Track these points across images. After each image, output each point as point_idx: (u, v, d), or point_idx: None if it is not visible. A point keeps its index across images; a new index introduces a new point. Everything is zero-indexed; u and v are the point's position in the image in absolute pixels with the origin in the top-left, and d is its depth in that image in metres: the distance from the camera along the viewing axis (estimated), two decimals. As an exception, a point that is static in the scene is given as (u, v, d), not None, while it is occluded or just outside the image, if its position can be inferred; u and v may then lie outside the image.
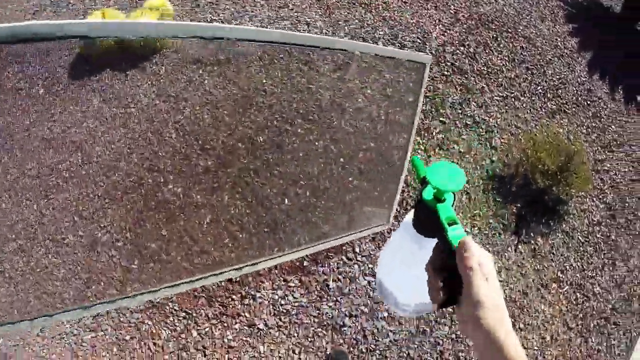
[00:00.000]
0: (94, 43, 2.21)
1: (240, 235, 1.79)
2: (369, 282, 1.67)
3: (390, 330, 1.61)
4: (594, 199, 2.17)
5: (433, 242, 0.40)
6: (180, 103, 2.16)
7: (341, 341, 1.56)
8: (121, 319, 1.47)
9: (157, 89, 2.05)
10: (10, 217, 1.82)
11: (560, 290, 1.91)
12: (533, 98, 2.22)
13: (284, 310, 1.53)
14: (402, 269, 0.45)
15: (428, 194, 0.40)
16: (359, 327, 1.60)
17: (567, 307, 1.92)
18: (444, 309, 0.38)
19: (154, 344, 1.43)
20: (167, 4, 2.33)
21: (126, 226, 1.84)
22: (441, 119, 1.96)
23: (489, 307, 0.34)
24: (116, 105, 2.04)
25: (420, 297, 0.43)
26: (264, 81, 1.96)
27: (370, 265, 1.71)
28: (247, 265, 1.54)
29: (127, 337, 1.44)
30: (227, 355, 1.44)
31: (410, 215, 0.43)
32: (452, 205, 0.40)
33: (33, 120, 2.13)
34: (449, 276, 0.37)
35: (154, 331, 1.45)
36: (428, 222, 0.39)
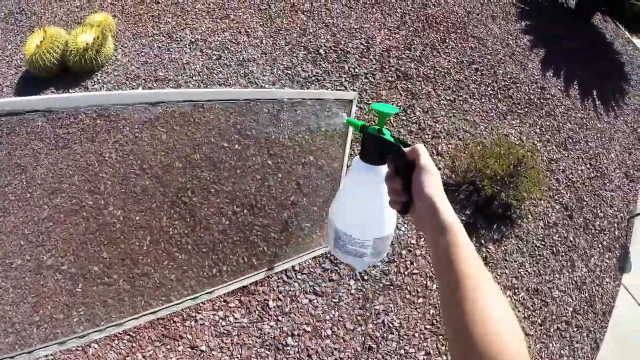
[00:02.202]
0: (37, 62, 2.12)
1: (180, 256, 1.73)
2: (309, 301, 1.60)
3: (335, 349, 1.55)
4: (549, 200, 2.13)
5: (381, 169, 0.50)
6: (120, 122, 2.08)
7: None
8: (68, 342, 1.44)
9: (97, 107, 1.97)
10: None
11: (516, 298, 1.86)
12: (483, 100, 2.17)
13: (225, 331, 1.49)
14: (356, 208, 0.52)
15: (372, 130, 0.50)
16: (302, 346, 1.53)
17: (524, 314, 1.87)
18: (406, 215, 0.47)
19: None
20: (109, 19, 2.26)
21: (69, 249, 1.78)
22: (385, 127, 1.90)
23: (434, 173, 0.43)
24: (59, 126, 1.96)
25: (378, 229, 0.52)
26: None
27: (310, 283, 1.64)
28: (202, 294, 1.50)
29: None
30: (164, 384, 1.38)
31: (356, 160, 0.52)
32: (391, 135, 0.50)
33: None
34: (405, 181, 0.45)
35: (100, 354, 1.43)
36: (376, 149, 0.49)
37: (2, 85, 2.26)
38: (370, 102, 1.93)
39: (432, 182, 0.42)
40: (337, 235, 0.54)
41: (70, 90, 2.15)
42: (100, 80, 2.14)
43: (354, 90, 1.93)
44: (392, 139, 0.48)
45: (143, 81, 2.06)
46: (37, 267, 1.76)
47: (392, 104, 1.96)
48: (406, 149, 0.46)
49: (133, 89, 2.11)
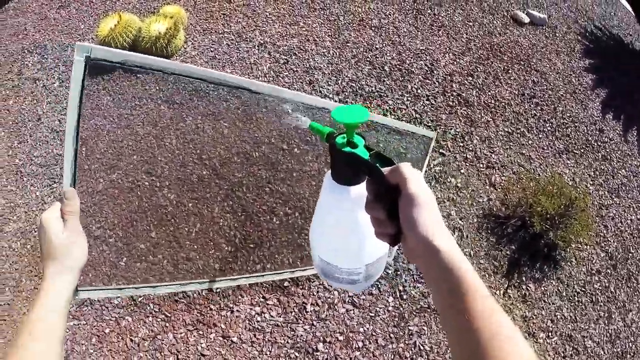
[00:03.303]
0: (110, 44, 2.25)
1: (226, 247, 1.80)
2: (346, 310, 1.64)
3: (366, 364, 1.58)
4: (595, 246, 2.09)
5: (359, 190, 0.40)
6: (184, 111, 2.18)
7: (314, 367, 1.54)
8: (103, 312, 1.53)
9: (163, 94, 2.08)
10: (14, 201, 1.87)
11: (549, 341, 1.84)
12: (540, 136, 2.15)
13: (259, 327, 1.53)
14: (338, 236, 0.43)
15: (341, 144, 0.39)
16: (332, 354, 1.57)
17: (554, 359, 1.84)
18: (398, 247, 0.37)
19: (131, 340, 1.47)
20: (182, 12, 2.37)
21: (119, 224, 1.89)
22: (441, 150, 1.91)
23: (427, 201, 0.34)
24: (123, 106, 2.08)
25: (367, 255, 0.42)
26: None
27: (350, 294, 1.68)
28: (228, 279, 1.56)
29: (107, 330, 1.49)
30: (197, 365, 1.45)
31: (327, 177, 0.42)
32: (365, 143, 0.40)
33: (45, 111, 2.19)
34: (390, 207, 0.36)
35: (133, 328, 1.49)
36: (350, 167, 0.39)
37: (72, 62, 2.40)
38: (430, 124, 1.95)
39: (425, 215, 0.33)
40: (322, 263, 0.46)
41: (138, 75, 2.26)
42: (168, 68, 2.24)
43: (422, 120, 1.95)
44: (366, 154, 0.38)
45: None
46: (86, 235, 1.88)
47: (451, 129, 1.98)
48: (386, 169, 0.36)
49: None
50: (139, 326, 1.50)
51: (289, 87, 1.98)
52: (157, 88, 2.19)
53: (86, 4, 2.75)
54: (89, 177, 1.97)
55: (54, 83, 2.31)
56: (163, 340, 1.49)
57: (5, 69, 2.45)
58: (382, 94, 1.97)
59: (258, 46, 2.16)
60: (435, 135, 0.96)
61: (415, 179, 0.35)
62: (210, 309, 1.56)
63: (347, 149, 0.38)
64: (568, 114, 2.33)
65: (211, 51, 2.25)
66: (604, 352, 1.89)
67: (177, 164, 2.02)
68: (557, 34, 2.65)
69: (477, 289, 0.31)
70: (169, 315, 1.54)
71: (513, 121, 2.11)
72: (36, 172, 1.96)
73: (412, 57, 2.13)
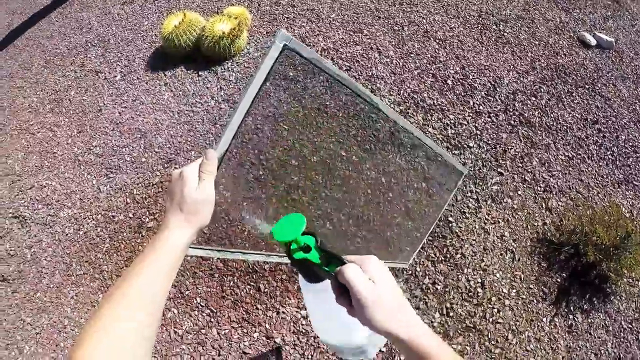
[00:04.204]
0: (173, 40, 2.29)
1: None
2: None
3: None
4: (648, 283, 2.02)
5: (326, 284, 0.43)
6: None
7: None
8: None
9: (224, 93, 2.15)
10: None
11: (592, 373, 1.81)
12: (600, 163, 2.10)
13: (304, 331, 1.53)
14: (330, 326, 0.47)
15: (297, 253, 0.44)
16: (375, 363, 1.59)
17: (595, 392, 1.81)
18: None
19: (175, 332, 1.49)
20: (246, 13, 2.42)
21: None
22: (499, 169, 1.90)
23: (373, 298, 0.38)
24: (184, 102, 2.16)
25: (364, 331, 0.46)
26: (329, 103, 1.99)
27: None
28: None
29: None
30: (239, 360, 1.46)
31: (300, 279, 0.47)
32: (317, 244, 0.44)
33: (106, 103, 2.30)
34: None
35: (178, 320, 1.51)
36: (308, 271, 0.43)
37: (135, 57, 2.50)
38: (489, 141, 1.93)
39: (373, 312, 0.38)
40: (331, 347, 0.51)
41: (200, 73, 2.33)
42: (229, 68, 2.30)
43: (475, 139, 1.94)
44: (316, 257, 0.42)
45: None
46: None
47: (511, 149, 1.96)
48: (337, 270, 0.40)
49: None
50: (183, 319, 1.50)
51: (350, 94, 2.01)
52: (219, 87, 2.25)
53: (150, 1, 2.84)
54: (146, 169, 2.04)
55: (116, 77, 2.41)
56: (207, 335, 1.46)
57: (69, 61, 2.58)
58: (444, 108, 1.98)
59: (321, 52, 2.20)
60: (467, 171, 0.93)
61: (357, 282, 0.39)
62: (257, 308, 1.55)
63: (299, 254, 0.43)
64: (630, 144, 2.25)
65: (274, 51, 2.30)
66: (646, 392, 1.85)
67: (234, 162, 2.08)
68: (623, 59, 2.55)
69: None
70: (215, 310, 1.53)
71: (574, 146, 2.07)
72: (94, 161, 2.05)
73: (475, 73, 2.11)
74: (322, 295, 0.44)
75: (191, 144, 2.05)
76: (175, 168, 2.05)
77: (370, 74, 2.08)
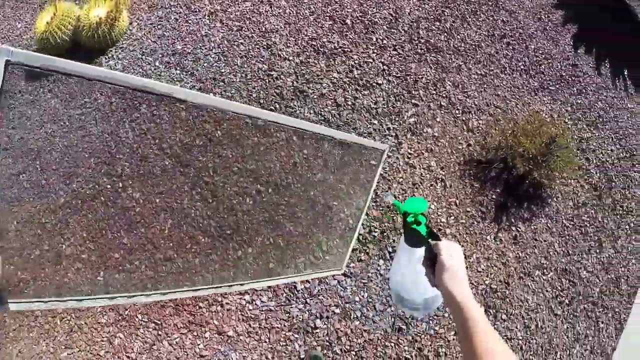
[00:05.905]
0: (48, 40, 2.02)
1: (203, 240, 1.70)
2: (338, 282, 1.57)
3: (365, 330, 1.53)
4: (579, 180, 2.07)
5: (420, 251, 0.61)
6: (136, 100, 2.01)
7: (314, 343, 1.48)
8: (93, 334, 1.44)
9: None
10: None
11: (545, 277, 1.83)
12: (514, 75, 2.08)
13: (253, 316, 1.47)
14: (407, 281, 0.63)
15: (412, 225, 0.61)
16: (331, 329, 1.51)
17: (552, 293, 1.84)
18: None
19: (128, 357, 1.40)
20: None
21: (88, 236, 1.76)
22: (413, 101, 1.82)
23: (451, 267, 0.55)
24: (73, 106, 1.89)
25: (427, 291, 0.62)
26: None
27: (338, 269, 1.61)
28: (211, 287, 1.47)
29: (102, 352, 1.41)
30: (196, 366, 1.37)
31: (400, 241, 0.64)
32: (427, 221, 0.62)
33: None
34: (434, 266, 0.58)
35: (127, 344, 1.42)
36: (414, 238, 0.61)
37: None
38: (399, 74, 1.85)
39: (447, 276, 0.54)
40: (395, 294, 0.67)
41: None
42: (114, 57, 2.05)
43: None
44: (424, 232, 0.60)
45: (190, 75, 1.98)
46: (56, 257, 1.74)
47: (422, 77, 1.88)
48: (433, 243, 0.58)
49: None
50: (132, 341, 1.41)
51: (245, 56, 1.83)
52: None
53: (21, 0, 2.48)
54: (49, 193, 1.81)
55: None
56: (160, 350, 1.39)
57: None
58: (346, 50, 1.85)
59: (208, 15, 1.99)
60: (388, 148, 0.88)
61: (446, 251, 0.56)
62: (200, 307, 1.47)
63: (414, 226, 0.61)
64: (540, 52, 2.26)
65: (159, 29, 2.06)
66: (599, 280, 1.91)
67: (136, 158, 1.87)
68: (521, -29, 2.55)
69: (477, 323, 0.50)
70: (159, 322, 1.45)
71: (485, 63, 2.03)
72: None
73: (374, 7, 2.00)
74: (415, 257, 0.60)
75: (88, 150, 1.80)
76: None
77: (263, 29, 1.90)
